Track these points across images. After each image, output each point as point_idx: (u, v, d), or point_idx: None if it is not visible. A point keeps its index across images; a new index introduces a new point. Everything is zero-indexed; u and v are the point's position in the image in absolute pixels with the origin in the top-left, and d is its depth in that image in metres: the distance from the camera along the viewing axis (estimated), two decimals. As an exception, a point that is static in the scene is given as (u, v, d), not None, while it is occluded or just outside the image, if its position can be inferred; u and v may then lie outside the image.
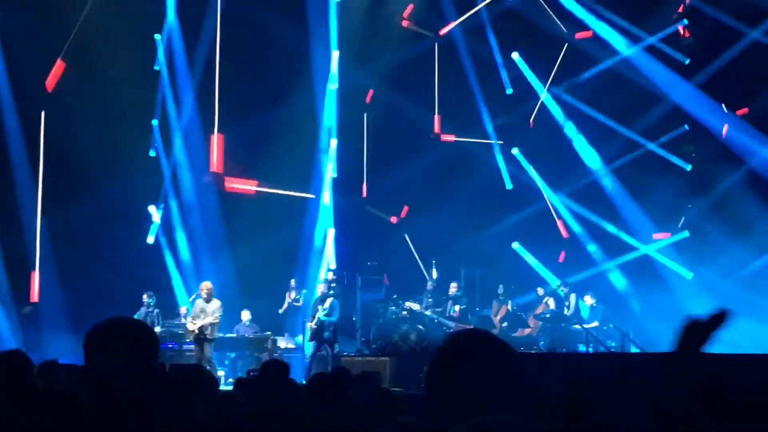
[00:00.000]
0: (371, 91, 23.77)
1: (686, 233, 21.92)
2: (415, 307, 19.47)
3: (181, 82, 23.46)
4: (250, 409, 6.42)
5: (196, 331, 17.66)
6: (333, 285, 19.09)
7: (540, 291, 20.67)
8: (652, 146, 22.65)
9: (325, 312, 18.19)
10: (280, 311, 20.93)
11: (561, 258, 23.12)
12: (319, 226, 23.66)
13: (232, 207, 23.32)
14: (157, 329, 18.86)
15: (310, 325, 18.40)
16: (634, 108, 22.44)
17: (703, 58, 21.79)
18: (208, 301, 17.88)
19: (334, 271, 20.94)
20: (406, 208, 23.88)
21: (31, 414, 3.87)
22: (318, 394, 7.19)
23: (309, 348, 18.36)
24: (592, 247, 23.12)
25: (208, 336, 17.58)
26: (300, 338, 19.61)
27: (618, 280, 22.65)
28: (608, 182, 23.00)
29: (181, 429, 3.23)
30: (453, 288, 19.55)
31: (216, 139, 22.62)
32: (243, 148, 23.10)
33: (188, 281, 22.86)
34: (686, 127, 22.23)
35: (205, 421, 5.56)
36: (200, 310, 17.84)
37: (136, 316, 18.55)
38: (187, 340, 18.65)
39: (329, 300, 18.36)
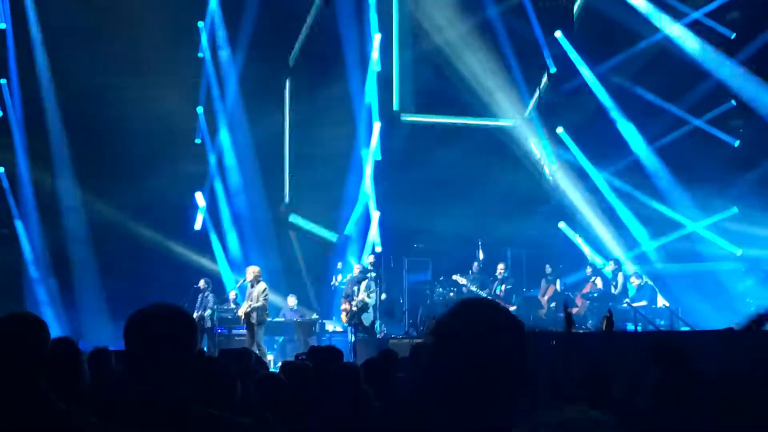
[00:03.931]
0: None
1: (735, 209, 21.67)
2: (462, 280, 19.41)
3: (225, 68, 23.61)
4: (295, 390, 6.45)
5: (243, 316, 17.78)
6: (371, 268, 19.13)
7: (589, 270, 20.51)
8: (698, 122, 22.38)
9: (369, 294, 18.29)
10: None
11: None
12: (364, 209, 23.73)
13: (275, 191, 23.50)
14: (208, 313, 19.05)
15: (347, 307, 18.47)
16: (679, 84, 22.17)
17: (750, 32, 21.47)
18: (254, 285, 17.95)
19: (376, 254, 20.97)
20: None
21: (82, 404, 3.91)
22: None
23: (350, 331, 18.50)
24: (635, 227, 22.93)
25: (253, 320, 17.62)
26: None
27: (663, 259, 22.45)
28: (654, 160, 22.75)
29: (218, 411, 3.25)
30: (500, 269, 19.46)
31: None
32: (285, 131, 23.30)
33: (235, 267, 23.03)
34: (733, 102, 21.93)
35: (245, 403, 5.60)
36: (248, 295, 17.95)
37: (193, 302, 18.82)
38: (239, 326, 18.80)
39: (365, 282, 18.45)
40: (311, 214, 24.05)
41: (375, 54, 23.40)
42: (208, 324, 18.82)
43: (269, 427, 5.54)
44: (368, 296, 18.36)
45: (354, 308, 18.31)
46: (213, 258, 23.36)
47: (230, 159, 23.79)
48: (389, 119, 23.73)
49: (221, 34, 23.45)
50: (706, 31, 21.69)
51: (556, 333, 16.66)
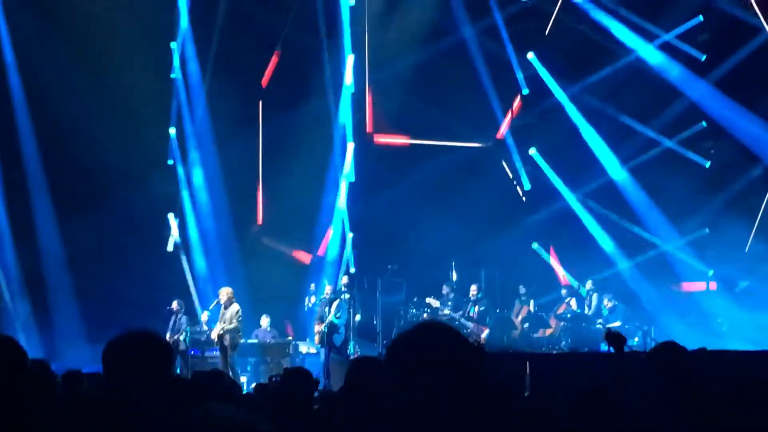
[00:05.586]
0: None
1: (706, 230, 21.79)
2: (435, 303, 19.40)
3: (197, 90, 23.54)
4: (270, 412, 6.39)
5: (217, 338, 17.68)
6: (344, 290, 19.10)
7: (564, 291, 20.54)
8: (669, 143, 22.50)
9: (337, 315, 18.27)
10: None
11: None
12: (338, 230, 23.70)
13: (248, 213, 23.43)
14: (183, 337, 18.86)
15: (319, 328, 18.44)
16: (651, 105, 22.31)
17: (720, 54, 21.62)
18: (227, 306, 17.88)
19: (350, 276, 20.93)
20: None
21: (55, 424, 3.87)
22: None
23: (323, 352, 18.47)
24: (609, 247, 22.95)
25: (226, 342, 17.56)
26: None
27: (635, 278, 22.50)
28: (626, 180, 22.82)
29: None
30: (473, 291, 19.47)
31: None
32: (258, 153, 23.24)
33: (204, 288, 22.93)
34: (704, 123, 22.07)
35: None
36: (221, 316, 17.86)
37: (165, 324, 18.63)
38: (212, 347, 18.68)
39: (336, 302, 18.43)
40: (285, 235, 23.98)
41: (348, 75, 23.40)
42: (182, 347, 18.63)
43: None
44: (335, 316, 18.33)
45: (324, 329, 18.28)
46: (185, 279, 23.24)
47: (202, 180, 23.70)
48: (362, 141, 23.73)
49: (193, 55, 23.37)
50: (678, 53, 21.82)
51: (530, 354, 16.72)
